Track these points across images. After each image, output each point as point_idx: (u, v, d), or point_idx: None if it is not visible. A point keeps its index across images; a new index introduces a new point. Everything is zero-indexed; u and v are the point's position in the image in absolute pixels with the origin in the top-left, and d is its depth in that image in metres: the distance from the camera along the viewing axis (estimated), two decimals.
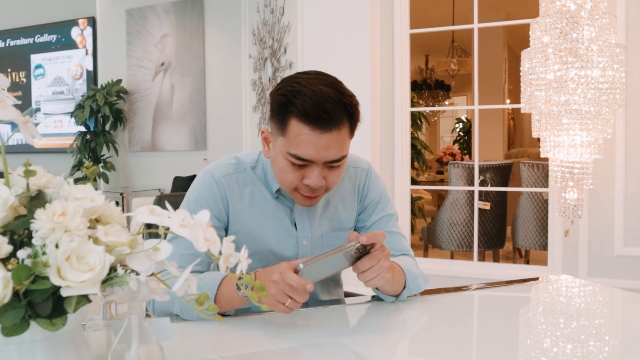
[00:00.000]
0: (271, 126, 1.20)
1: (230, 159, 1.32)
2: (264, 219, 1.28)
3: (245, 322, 1.13)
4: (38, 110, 6.49)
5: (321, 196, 1.24)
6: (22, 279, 0.61)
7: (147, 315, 1.21)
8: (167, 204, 0.72)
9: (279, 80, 4.01)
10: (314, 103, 1.09)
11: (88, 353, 0.72)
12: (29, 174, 0.69)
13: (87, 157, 5.74)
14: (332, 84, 1.14)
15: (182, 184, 5.14)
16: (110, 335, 0.86)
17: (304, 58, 3.42)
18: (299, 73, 1.18)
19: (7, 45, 6.72)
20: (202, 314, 0.70)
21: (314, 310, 1.23)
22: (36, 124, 6.37)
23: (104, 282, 0.65)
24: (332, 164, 1.17)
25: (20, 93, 6.55)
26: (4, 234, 0.65)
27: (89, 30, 6.14)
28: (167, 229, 0.70)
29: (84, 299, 0.64)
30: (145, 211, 0.70)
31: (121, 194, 5.42)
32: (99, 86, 5.82)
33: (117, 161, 5.91)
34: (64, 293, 0.62)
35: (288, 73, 3.82)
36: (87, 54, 6.16)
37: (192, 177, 5.07)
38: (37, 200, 0.69)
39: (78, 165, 5.70)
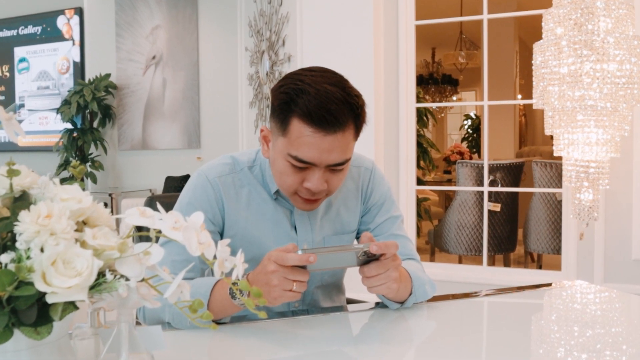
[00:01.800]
0: (271, 125, 1.19)
1: (226, 159, 1.32)
2: (262, 222, 1.28)
3: (241, 331, 1.13)
4: (22, 106, 6.49)
5: (322, 200, 1.24)
6: (5, 285, 0.61)
7: (138, 323, 1.21)
8: (159, 206, 0.72)
9: (276, 74, 4.01)
10: (318, 103, 1.09)
11: None
12: (12, 173, 0.69)
13: (73, 155, 5.74)
14: (338, 82, 1.13)
15: (174, 185, 5.15)
16: (98, 345, 0.86)
17: (303, 51, 3.42)
18: (302, 70, 1.18)
19: None
20: (196, 322, 0.70)
21: (314, 318, 1.23)
22: (20, 121, 6.37)
23: (91, 288, 0.65)
24: (335, 167, 1.16)
25: (3, 88, 6.55)
26: None
27: (76, 19, 6.14)
28: (159, 231, 0.70)
29: (71, 305, 0.64)
30: (135, 213, 0.70)
31: (110, 194, 5.42)
32: (87, 81, 5.82)
33: (106, 160, 5.91)
34: (49, 300, 0.62)
35: (286, 67, 3.81)
36: (74, 44, 6.16)
37: (185, 177, 5.07)
38: (21, 201, 0.69)
39: (64, 165, 5.70)
